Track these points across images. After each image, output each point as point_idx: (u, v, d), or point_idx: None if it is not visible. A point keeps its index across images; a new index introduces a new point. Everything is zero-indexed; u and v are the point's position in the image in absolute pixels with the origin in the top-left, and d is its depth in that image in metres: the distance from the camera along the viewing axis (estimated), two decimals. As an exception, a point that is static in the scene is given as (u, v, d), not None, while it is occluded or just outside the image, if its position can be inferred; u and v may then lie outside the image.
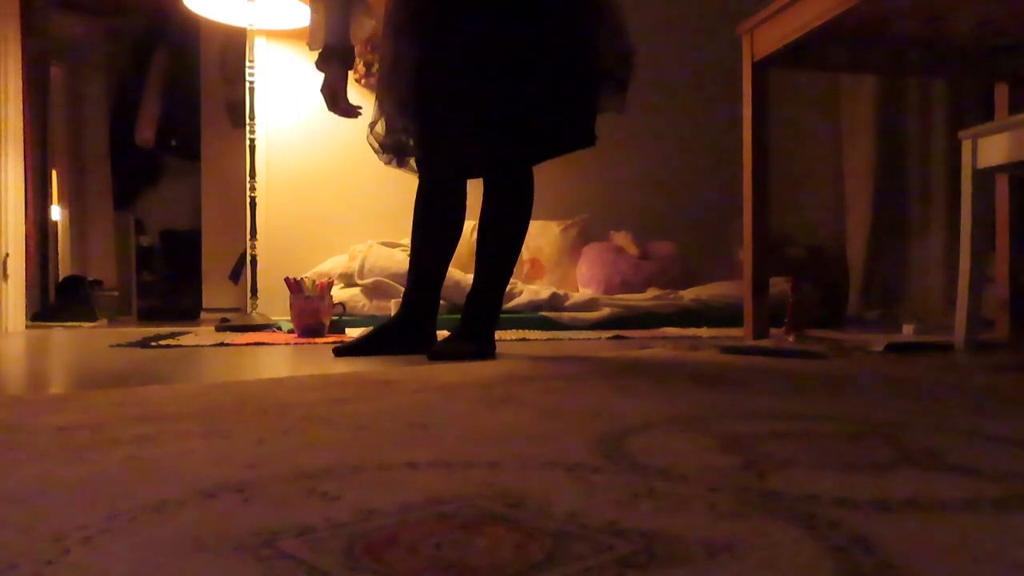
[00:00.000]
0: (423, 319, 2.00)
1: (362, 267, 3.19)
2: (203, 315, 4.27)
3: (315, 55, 1.98)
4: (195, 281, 4.27)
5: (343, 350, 1.92)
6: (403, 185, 3.11)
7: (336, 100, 1.95)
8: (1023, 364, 1.59)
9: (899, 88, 3.41)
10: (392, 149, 1.89)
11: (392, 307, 2.75)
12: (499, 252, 1.97)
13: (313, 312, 2.61)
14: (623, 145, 3.97)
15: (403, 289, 3.01)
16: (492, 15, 1.77)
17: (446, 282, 3.12)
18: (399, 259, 3.22)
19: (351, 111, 1.98)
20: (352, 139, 3.01)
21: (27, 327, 3.33)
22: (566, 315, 3.04)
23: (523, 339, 2.50)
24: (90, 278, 4.59)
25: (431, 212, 1.98)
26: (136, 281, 5.46)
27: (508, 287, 3.08)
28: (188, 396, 1.13)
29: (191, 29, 4.13)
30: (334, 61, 1.94)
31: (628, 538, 0.47)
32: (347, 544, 0.46)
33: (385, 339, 1.96)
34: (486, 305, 1.98)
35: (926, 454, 0.71)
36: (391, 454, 0.71)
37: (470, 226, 3.55)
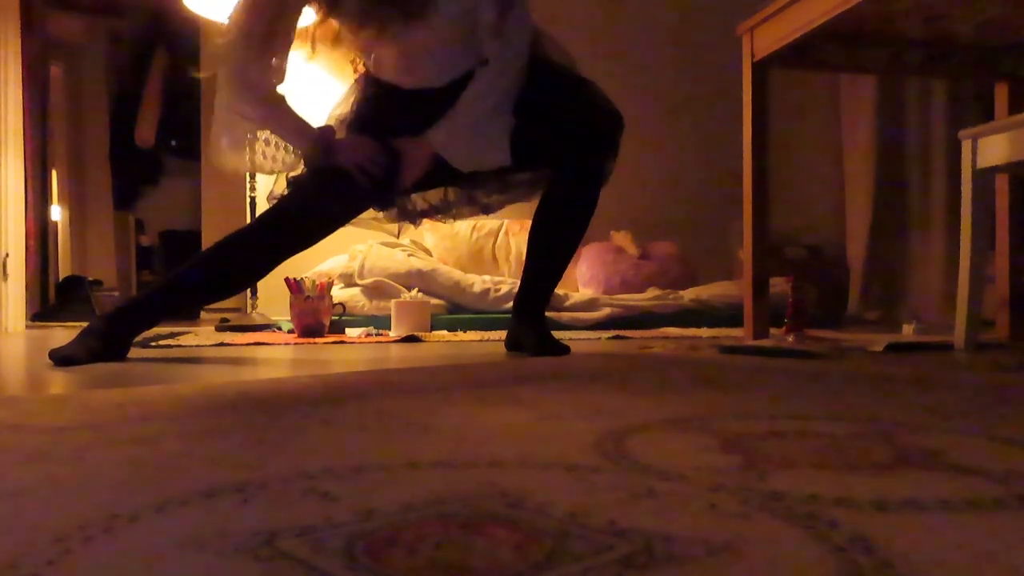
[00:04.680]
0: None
1: (362, 267, 3.19)
2: (203, 315, 4.27)
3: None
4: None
5: (62, 358, 1.63)
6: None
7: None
8: (1023, 364, 1.59)
9: (899, 88, 3.41)
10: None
11: (392, 307, 2.75)
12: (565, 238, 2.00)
13: (313, 312, 2.61)
14: (623, 145, 3.98)
15: (403, 289, 3.02)
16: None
17: (446, 282, 3.15)
18: (399, 259, 3.22)
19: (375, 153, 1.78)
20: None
21: (27, 327, 3.33)
22: (566, 315, 3.04)
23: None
24: (90, 278, 4.60)
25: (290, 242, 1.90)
26: (136, 281, 5.46)
27: (508, 287, 3.09)
28: (188, 396, 1.13)
29: (191, 29, 4.14)
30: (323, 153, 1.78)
31: (628, 538, 0.47)
32: (347, 544, 0.46)
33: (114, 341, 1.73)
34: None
35: (926, 454, 0.71)
36: (391, 454, 0.71)
37: (468, 226, 3.58)
